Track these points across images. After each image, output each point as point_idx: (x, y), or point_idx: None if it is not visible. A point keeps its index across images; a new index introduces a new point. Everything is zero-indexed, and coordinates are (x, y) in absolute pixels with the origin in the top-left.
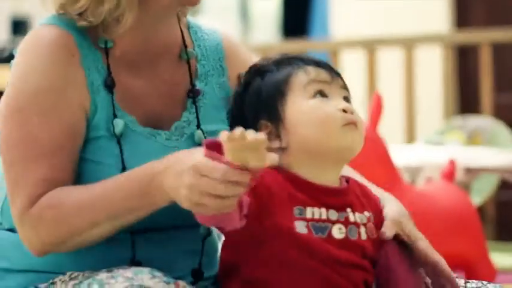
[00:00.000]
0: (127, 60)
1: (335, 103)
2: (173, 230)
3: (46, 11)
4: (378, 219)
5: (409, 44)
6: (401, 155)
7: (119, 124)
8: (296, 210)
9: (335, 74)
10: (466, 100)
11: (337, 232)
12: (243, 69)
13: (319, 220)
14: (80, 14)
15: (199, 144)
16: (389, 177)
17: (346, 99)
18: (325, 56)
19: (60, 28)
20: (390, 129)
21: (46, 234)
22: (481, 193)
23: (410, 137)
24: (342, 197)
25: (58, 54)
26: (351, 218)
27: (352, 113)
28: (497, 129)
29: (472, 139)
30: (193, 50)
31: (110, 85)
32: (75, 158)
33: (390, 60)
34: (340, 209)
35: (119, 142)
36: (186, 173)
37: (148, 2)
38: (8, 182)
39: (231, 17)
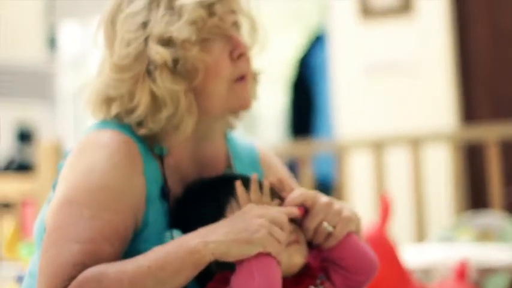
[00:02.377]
0: (180, 171)
1: None
2: None
3: (52, 123)
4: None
5: (416, 142)
6: (412, 256)
7: (177, 235)
8: None
9: (273, 192)
10: (475, 195)
11: None
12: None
13: None
14: (139, 123)
15: None
16: (400, 279)
17: None
18: (331, 157)
19: (124, 134)
20: (400, 229)
21: None
22: None
23: (421, 235)
24: (301, 283)
25: (122, 159)
26: None
27: (294, 231)
28: (508, 225)
29: (483, 235)
30: (233, 164)
31: (166, 194)
32: (117, 254)
33: (397, 159)
34: None
35: None
36: (250, 210)
37: (201, 110)
38: (39, 266)
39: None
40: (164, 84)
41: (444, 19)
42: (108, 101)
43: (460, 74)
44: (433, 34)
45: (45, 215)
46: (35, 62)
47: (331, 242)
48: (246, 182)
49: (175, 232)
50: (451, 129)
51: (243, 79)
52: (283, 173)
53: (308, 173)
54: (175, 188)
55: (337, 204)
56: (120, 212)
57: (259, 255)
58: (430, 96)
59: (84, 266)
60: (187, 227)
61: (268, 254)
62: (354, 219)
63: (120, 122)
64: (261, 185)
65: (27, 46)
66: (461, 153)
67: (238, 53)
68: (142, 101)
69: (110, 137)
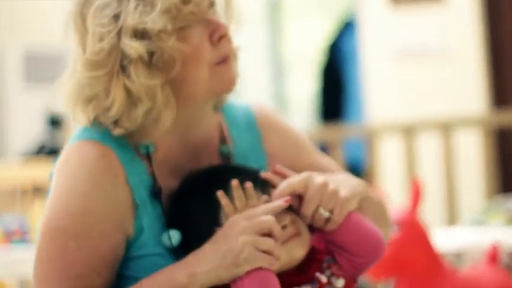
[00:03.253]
0: (170, 163)
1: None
2: None
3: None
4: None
5: (446, 127)
6: (443, 239)
7: (175, 235)
8: None
9: (264, 185)
10: (506, 179)
11: None
12: (281, 146)
13: None
14: (115, 122)
15: None
16: (431, 263)
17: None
18: (362, 142)
19: (101, 144)
20: (431, 213)
21: None
22: None
23: (452, 219)
24: (306, 272)
25: (101, 177)
26: (323, 279)
27: (292, 223)
28: None
29: None
30: (230, 134)
31: (157, 193)
32: (107, 281)
33: (428, 144)
34: (310, 279)
35: (175, 254)
36: (233, 224)
37: (184, 98)
38: None
39: (268, 103)
40: (139, 80)
41: (474, 3)
42: (84, 101)
43: (490, 58)
44: (463, 18)
45: None
46: (66, 47)
47: (331, 226)
48: (237, 172)
49: (172, 233)
50: (482, 113)
51: (225, 61)
52: (287, 132)
53: (338, 157)
54: (168, 183)
55: (332, 185)
56: (105, 235)
57: (250, 272)
58: (460, 81)
59: None
60: (183, 227)
61: (259, 269)
62: (354, 196)
63: (99, 125)
64: (253, 175)
65: (58, 32)
66: (492, 137)
67: (218, 36)
68: (117, 98)
69: (88, 152)
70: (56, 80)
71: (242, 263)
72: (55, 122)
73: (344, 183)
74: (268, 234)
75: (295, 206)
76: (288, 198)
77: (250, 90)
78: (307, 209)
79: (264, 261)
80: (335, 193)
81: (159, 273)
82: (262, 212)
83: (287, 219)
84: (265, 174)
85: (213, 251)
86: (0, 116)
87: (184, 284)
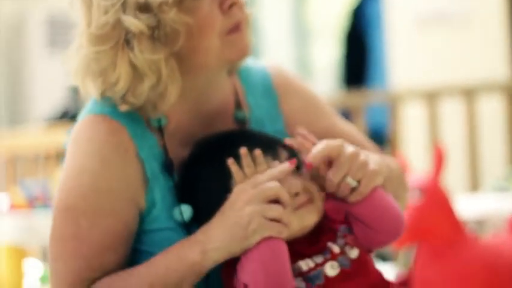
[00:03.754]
0: (182, 133)
1: (285, 186)
2: None
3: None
4: (342, 218)
5: (470, 92)
6: (466, 206)
7: (186, 210)
8: None
9: (275, 150)
10: None
11: (331, 270)
12: (299, 108)
13: (310, 270)
14: (122, 98)
15: None
16: (453, 230)
17: (298, 167)
18: (385, 108)
19: (111, 119)
20: (454, 179)
21: None
22: None
23: (475, 185)
24: (318, 242)
25: (111, 153)
26: (336, 249)
27: (303, 190)
28: None
29: None
30: (246, 100)
31: (168, 166)
32: (122, 257)
33: (451, 109)
34: (322, 249)
35: (187, 229)
36: (240, 193)
37: (195, 68)
38: (51, 275)
39: (291, 69)
40: (143, 54)
41: None
42: (93, 76)
43: None
44: None
45: None
46: None
47: (356, 197)
48: (249, 138)
49: (184, 208)
50: (505, 79)
51: (237, 29)
52: (306, 94)
53: (361, 123)
54: (181, 153)
55: (362, 156)
56: (117, 211)
57: (260, 242)
58: (483, 47)
59: (92, 281)
60: (194, 197)
61: (269, 238)
62: (381, 172)
63: (110, 100)
64: (266, 141)
65: None
66: None
67: (229, 3)
68: (123, 73)
69: (98, 128)
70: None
71: (251, 234)
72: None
73: (372, 158)
74: (276, 201)
75: (321, 172)
76: (293, 160)
77: (274, 56)
78: (336, 176)
79: (272, 229)
80: (365, 164)
81: (170, 250)
82: (268, 178)
83: (299, 186)
84: (289, 140)
85: (221, 226)
86: (23, 82)
87: (197, 262)
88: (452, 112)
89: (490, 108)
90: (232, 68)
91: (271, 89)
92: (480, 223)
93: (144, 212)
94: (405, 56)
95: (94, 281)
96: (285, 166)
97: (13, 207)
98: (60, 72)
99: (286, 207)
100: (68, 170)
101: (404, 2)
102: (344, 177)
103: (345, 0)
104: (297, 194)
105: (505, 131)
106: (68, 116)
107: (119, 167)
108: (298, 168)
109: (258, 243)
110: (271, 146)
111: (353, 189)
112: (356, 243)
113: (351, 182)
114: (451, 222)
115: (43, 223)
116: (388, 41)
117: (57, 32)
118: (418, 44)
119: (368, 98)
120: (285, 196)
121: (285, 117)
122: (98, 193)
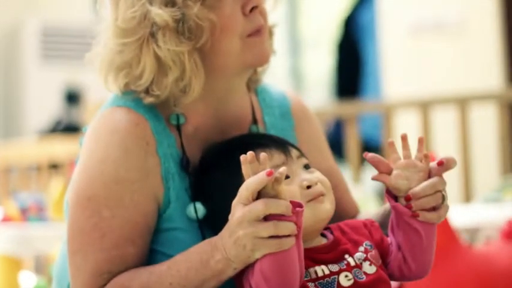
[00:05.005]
0: (199, 138)
1: (297, 181)
2: None
3: (100, 84)
4: (376, 237)
5: (462, 102)
6: (458, 216)
7: (200, 209)
8: None
9: (286, 148)
10: None
11: (345, 280)
12: (311, 139)
13: (324, 277)
14: (146, 91)
15: None
16: (446, 239)
17: (307, 166)
18: (378, 117)
19: (134, 112)
20: (447, 189)
21: None
22: None
23: (468, 196)
24: (335, 250)
25: (133, 144)
26: (352, 262)
27: (316, 183)
28: None
29: None
30: (263, 118)
31: (185, 165)
32: (141, 251)
33: (444, 119)
34: (338, 259)
35: (200, 228)
36: (233, 211)
37: (215, 69)
38: (70, 269)
39: (283, 80)
40: (167, 46)
41: None
42: (116, 70)
43: (507, 33)
44: None
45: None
46: (85, 23)
47: (432, 216)
48: (263, 140)
49: (198, 205)
50: (498, 89)
51: (258, 32)
52: (317, 131)
53: (354, 134)
54: (197, 157)
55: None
56: (138, 203)
57: (262, 258)
58: (477, 56)
59: (111, 273)
60: (207, 198)
61: (271, 253)
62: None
63: (132, 94)
64: (278, 141)
65: (77, 7)
66: (508, 113)
67: (250, 6)
68: (148, 65)
69: (121, 119)
70: (74, 56)
71: (251, 254)
72: (72, 98)
73: None
74: (275, 195)
75: (435, 172)
76: (270, 170)
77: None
78: (440, 184)
79: (271, 247)
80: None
81: (192, 252)
82: (248, 192)
83: (310, 179)
84: (370, 155)
85: (230, 239)
86: (17, 93)
87: (221, 269)
88: (445, 122)
89: (483, 118)
90: (252, 83)
91: (289, 114)
92: (473, 232)
93: (160, 211)
94: (398, 65)
95: (114, 274)
96: (263, 178)
97: (6, 219)
98: (54, 83)
99: (287, 212)
100: (88, 160)
101: (398, 10)
102: (437, 190)
103: (338, 10)
104: (308, 187)
105: (498, 141)
106: (61, 127)
107: (140, 159)
108: (306, 167)
109: (261, 258)
110: (282, 144)
111: (433, 208)
112: (375, 261)
113: (446, 196)
114: (444, 232)
115: (37, 235)
116: (381, 50)
117: (51, 42)
118: (411, 53)
119: (361, 108)
120: (275, 209)
121: (298, 143)
122: (120, 183)
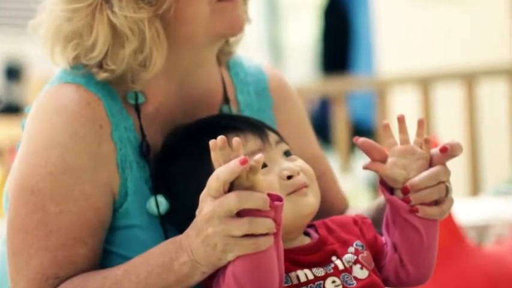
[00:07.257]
0: (162, 118)
1: (276, 170)
2: None
3: (45, 57)
4: (368, 236)
5: (469, 78)
6: (465, 211)
7: (162, 203)
8: None
9: (263, 131)
10: None
11: (332, 287)
12: (292, 121)
13: (307, 282)
14: (99, 65)
15: None
16: (450, 238)
17: (287, 153)
18: (371, 95)
19: (85, 89)
20: (452, 180)
21: None
22: None
23: (475, 188)
24: (320, 251)
25: (84, 127)
26: (340, 265)
27: (298, 172)
28: None
29: None
30: (236, 97)
31: (145, 152)
32: (93, 252)
33: (448, 97)
34: (324, 262)
35: (163, 225)
36: (201, 206)
37: (180, 39)
38: (9, 272)
39: (259, 51)
40: (123, 12)
41: None
42: (64, 40)
43: None
44: None
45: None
46: None
47: (435, 212)
48: (235, 119)
49: (160, 199)
50: (509, 63)
51: None
52: (300, 113)
53: (343, 113)
54: (159, 142)
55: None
56: (90, 196)
57: (235, 260)
58: (485, 25)
59: (58, 278)
60: (171, 191)
61: (245, 255)
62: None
63: (83, 69)
64: (261, 124)
65: None
66: None
67: None
68: (101, 35)
69: (70, 97)
70: (14, 24)
71: (222, 255)
72: (13, 73)
73: None
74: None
75: (437, 160)
76: (244, 158)
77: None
78: (445, 174)
79: (247, 248)
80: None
81: (153, 253)
82: (219, 184)
83: (291, 168)
84: (361, 140)
85: (197, 238)
86: None
87: (187, 274)
88: (448, 101)
89: (493, 96)
90: (223, 56)
91: (267, 91)
92: (481, 230)
93: (116, 204)
94: (394, 35)
95: (62, 280)
96: (236, 167)
97: None
98: None
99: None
100: (31, 146)
101: None
102: (441, 180)
103: None
104: (289, 178)
105: (510, 123)
106: (1, 107)
107: (92, 144)
108: (286, 154)
109: (233, 261)
110: (259, 127)
111: (436, 202)
112: (368, 265)
113: (449, 185)
114: (448, 230)
115: None
116: (374, 17)
117: None
118: (410, 21)
119: (351, 85)
120: (251, 203)
121: (278, 125)
122: (68, 173)
